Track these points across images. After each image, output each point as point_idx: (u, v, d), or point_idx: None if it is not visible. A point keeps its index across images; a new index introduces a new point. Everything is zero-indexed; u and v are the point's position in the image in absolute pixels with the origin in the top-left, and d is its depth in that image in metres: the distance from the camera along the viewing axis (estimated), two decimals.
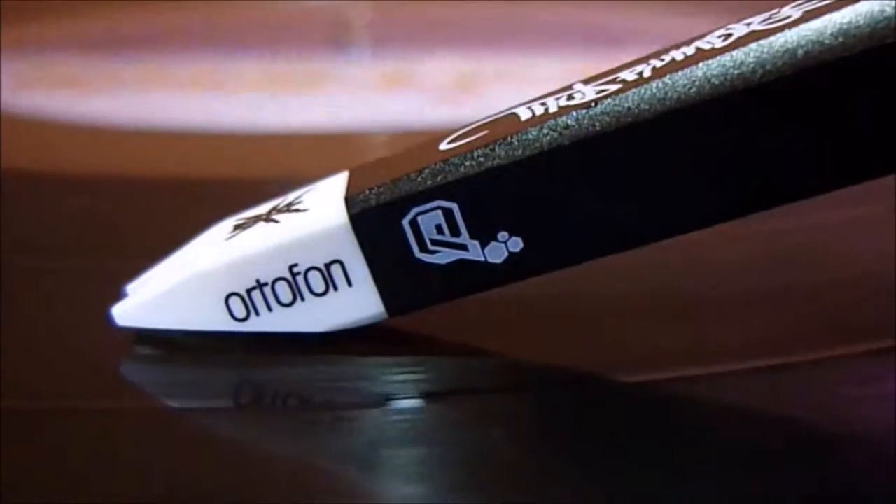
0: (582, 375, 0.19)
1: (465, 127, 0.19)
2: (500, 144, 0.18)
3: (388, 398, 0.18)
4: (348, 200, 0.18)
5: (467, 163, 0.18)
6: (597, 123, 0.17)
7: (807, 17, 0.17)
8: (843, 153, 0.17)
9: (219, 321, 0.19)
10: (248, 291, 0.19)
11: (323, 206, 0.19)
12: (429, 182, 0.18)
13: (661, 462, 0.16)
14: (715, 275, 0.21)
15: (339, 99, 0.35)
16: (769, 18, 0.18)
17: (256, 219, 0.19)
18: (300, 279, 0.18)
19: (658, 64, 0.18)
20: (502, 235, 0.18)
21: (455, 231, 0.18)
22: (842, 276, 0.21)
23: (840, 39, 0.17)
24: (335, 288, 0.18)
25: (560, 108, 0.18)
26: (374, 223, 0.18)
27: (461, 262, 0.18)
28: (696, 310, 0.20)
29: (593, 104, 0.18)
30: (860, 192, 0.18)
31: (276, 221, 0.19)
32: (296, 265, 0.18)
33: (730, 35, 0.18)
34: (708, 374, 0.18)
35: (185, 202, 0.26)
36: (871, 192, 0.18)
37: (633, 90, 0.17)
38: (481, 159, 0.18)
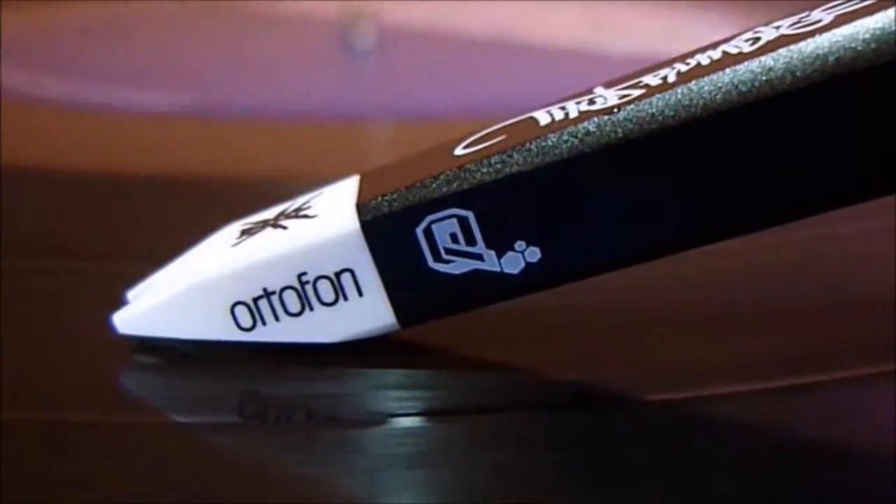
0: (597, 394, 0.18)
1: (481, 131, 0.18)
2: (517, 151, 0.17)
3: (395, 415, 0.18)
4: (360, 207, 0.18)
5: (484, 170, 0.17)
6: (619, 130, 0.17)
7: (838, 21, 0.17)
8: (877, 163, 0.17)
9: (224, 330, 0.18)
10: (255, 300, 0.18)
11: (333, 213, 0.18)
12: (444, 189, 0.18)
13: (677, 483, 0.16)
14: (735, 288, 0.21)
15: (346, 92, 0.35)
16: (799, 22, 0.17)
17: (264, 224, 0.19)
18: (309, 288, 0.18)
19: (683, 68, 0.17)
20: (519, 245, 0.18)
21: (470, 240, 0.18)
22: (872, 291, 0.21)
23: (872, 45, 0.16)
24: (345, 297, 0.18)
25: (581, 113, 0.17)
26: (387, 231, 0.18)
27: (476, 273, 0.18)
28: (713, 325, 0.20)
29: (615, 110, 0.17)
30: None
31: (284, 227, 0.18)
32: (304, 273, 0.18)
33: (758, 39, 0.17)
34: (725, 393, 0.18)
35: (189, 200, 0.26)
36: None
37: (657, 96, 0.17)
38: (498, 166, 0.17)
